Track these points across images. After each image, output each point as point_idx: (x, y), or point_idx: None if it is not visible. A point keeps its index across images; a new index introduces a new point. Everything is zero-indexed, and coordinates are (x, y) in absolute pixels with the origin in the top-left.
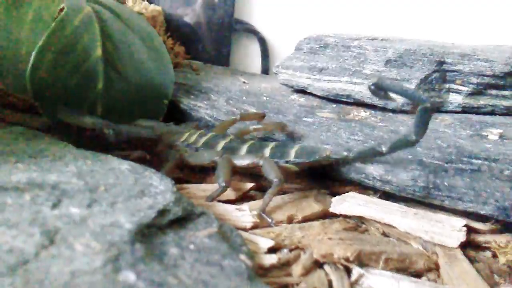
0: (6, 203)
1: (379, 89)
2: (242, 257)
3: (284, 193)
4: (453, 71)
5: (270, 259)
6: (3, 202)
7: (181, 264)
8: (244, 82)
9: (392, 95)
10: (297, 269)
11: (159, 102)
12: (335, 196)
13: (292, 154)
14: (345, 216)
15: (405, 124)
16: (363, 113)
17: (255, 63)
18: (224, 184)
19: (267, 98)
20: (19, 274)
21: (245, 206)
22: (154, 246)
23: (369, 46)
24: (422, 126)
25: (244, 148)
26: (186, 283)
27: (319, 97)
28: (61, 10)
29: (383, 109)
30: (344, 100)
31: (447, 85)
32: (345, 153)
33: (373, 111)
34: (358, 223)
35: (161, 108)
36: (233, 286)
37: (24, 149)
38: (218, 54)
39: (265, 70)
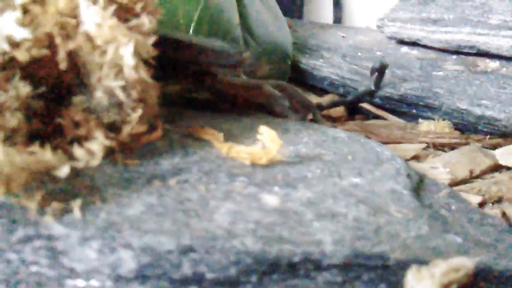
0: (314, 176)
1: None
2: (492, 215)
3: (451, 148)
4: None
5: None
6: (310, 175)
7: (467, 227)
8: (343, 36)
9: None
10: None
11: (284, 63)
12: (486, 148)
13: None
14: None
15: None
16: (491, 63)
17: (327, 13)
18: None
19: (381, 53)
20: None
21: (438, 163)
22: (432, 209)
23: None
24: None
25: None
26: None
27: (431, 48)
28: None
29: (509, 59)
30: (466, 51)
31: None
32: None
33: (499, 61)
34: None
35: (286, 69)
36: None
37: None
38: (292, 5)
39: (337, 20)
